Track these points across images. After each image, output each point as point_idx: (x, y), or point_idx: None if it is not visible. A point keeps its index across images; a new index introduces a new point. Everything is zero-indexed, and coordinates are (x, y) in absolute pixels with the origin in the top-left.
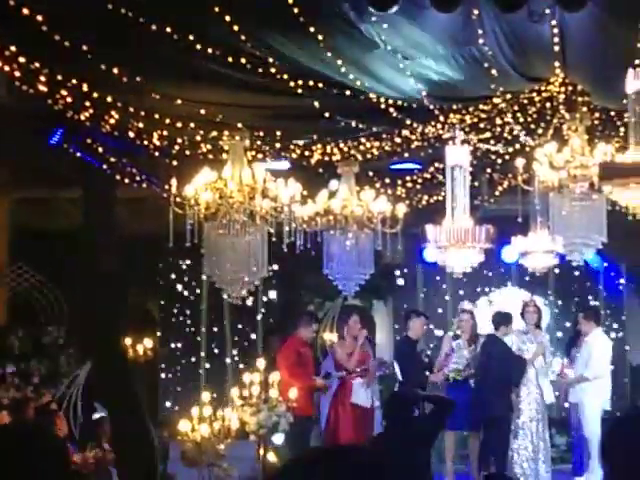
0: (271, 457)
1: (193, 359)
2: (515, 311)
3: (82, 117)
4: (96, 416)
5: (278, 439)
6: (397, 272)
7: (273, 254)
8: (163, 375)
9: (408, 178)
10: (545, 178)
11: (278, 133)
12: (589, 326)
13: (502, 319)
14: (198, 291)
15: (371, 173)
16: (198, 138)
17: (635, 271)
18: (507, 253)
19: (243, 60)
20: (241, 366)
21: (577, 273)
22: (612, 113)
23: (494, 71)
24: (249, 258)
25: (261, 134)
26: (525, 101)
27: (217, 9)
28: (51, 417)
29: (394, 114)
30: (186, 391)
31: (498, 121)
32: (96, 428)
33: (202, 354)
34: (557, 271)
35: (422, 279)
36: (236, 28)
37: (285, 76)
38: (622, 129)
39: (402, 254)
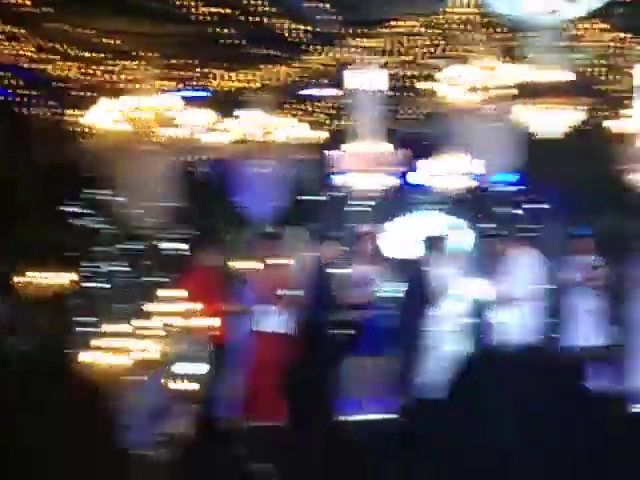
0: (190, 386)
1: (109, 290)
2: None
3: None
4: None
5: (198, 369)
6: (312, 198)
7: (186, 183)
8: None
9: (321, 104)
10: (458, 100)
11: (188, 61)
12: (519, 247)
13: (431, 243)
14: (112, 223)
15: (284, 100)
16: (109, 68)
17: (552, 192)
18: (421, 176)
19: None
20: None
21: (493, 194)
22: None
23: None
24: (161, 188)
25: (171, 62)
26: (435, 23)
27: None
28: None
29: (303, 39)
30: (102, 322)
31: (408, 44)
32: None
33: (110, 283)
34: (473, 193)
35: (337, 204)
36: None
37: (191, 2)
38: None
39: (317, 180)
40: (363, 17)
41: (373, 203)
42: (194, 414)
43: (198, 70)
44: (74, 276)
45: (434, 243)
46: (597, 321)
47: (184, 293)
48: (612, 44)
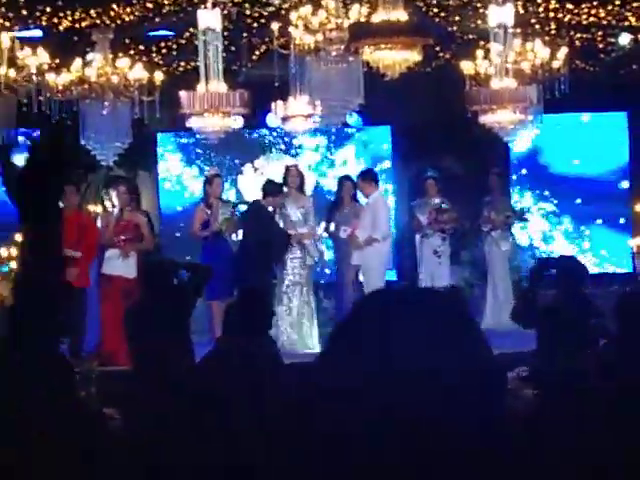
0: None
1: None
2: (279, 176)
3: None
4: None
5: None
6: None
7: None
8: None
9: (164, 44)
10: (301, 41)
11: None
12: (370, 188)
13: (270, 188)
14: None
15: (127, 40)
16: None
17: (401, 132)
18: (270, 119)
19: None
20: None
21: (340, 136)
22: None
23: None
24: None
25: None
26: None
27: None
28: None
29: None
30: None
31: None
32: None
33: None
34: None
35: (185, 147)
36: None
37: None
38: None
39: (164, 123)
40: None
41: (227, 146)
42: None
43: (32, 8)
44: None
45: (274, 187)
46: (445, 262)
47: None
48: None
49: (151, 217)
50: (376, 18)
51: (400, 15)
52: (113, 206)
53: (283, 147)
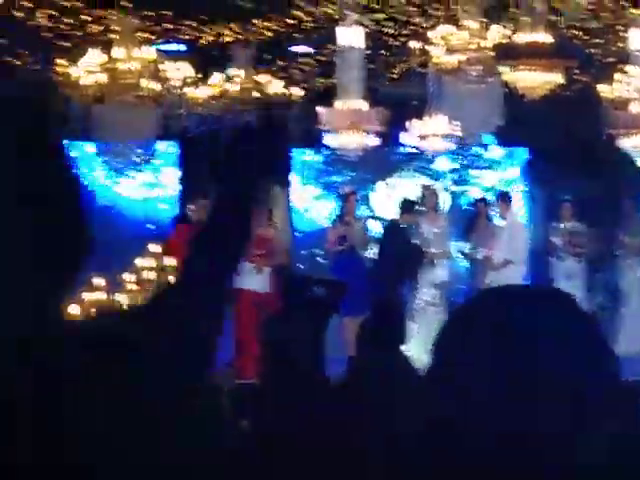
0: None
1: None
2: (414, 195)
3: None
4: None
5: None
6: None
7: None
8: None
9: (303, 61)
10: (441, 60)
11: (168, 13)
12: (505, 209)
13: (407, 206)
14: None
15: (267, 56)
16: (86, 18)
17: (537, 154)
18: (406, 137)
19: None
20: None
21: (475, 157)
22: None
23: None
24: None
25: (150, 14)
26: None
27: None
28: None
29: None
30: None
31: (392, 2)
32: None
33: None
34: (457, 154)
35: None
36: None
37: None
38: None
39: (302, 137)
40: None
41: (363, 163)
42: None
43: (175, 22)
44: None
45: (410, 206)
46: (578, 286)
47: (163, 247)
48: (593, 7)
49: (284, 233)
50: (519, 39)
51: (543, 37)
52: None
53: (418, 165)
